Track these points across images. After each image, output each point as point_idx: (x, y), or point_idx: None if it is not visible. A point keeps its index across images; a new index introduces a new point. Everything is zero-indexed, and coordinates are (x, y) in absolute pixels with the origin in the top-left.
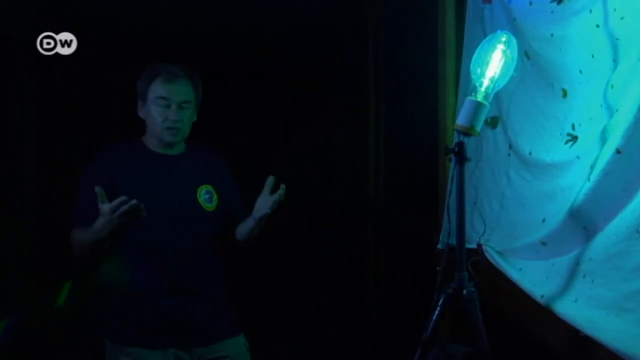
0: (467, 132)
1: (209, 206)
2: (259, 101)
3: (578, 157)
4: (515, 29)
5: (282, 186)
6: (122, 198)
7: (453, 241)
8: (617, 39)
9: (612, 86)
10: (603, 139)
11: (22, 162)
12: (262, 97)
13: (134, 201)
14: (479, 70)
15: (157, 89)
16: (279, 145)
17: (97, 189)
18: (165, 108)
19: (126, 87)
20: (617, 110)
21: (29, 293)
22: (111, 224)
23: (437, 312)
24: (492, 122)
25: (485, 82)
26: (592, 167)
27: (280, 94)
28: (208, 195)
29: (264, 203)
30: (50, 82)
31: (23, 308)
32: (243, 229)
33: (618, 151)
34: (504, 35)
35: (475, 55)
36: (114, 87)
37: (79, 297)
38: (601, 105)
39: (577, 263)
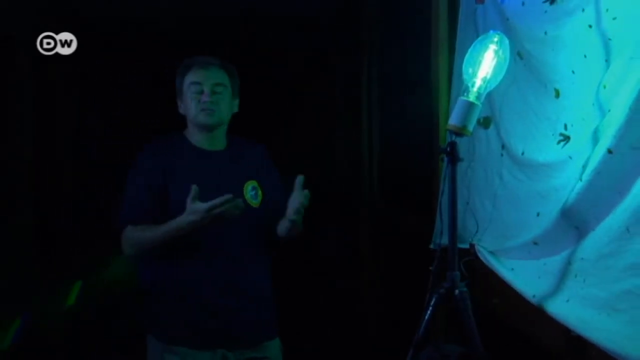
0: (460, 132)
1: (255, 202)
2: (253, 101)
3: (570, 157)
4: (508, 29)
5: (306, 192)
6: (228, 196)
7: (445, 241)
8: (610, 39)
9: (604, 86)
10: (595, 139)
11: (21, 162)
12: (254, 98)
13: (238, 200)
14: (471, 71)
15: (190, 76)
16: (273, 146)
17: (193, 187)
18: (199, 93)
19: (126, 87)
20: (609, 111)
21: (34, 293)
22: (199, 223)
23: (429, 312)
24: (485, 122)
25: (478, 83)
26: (584, 167)
27: (274, 95)
28: (254, 192)
29: (292, 205)
30: (50, 82)
31: (30, 308)
32: (282, 227)
33: (610, 151)
34: (496, 35)
35: (467, 56)
36: (114, 87)
37: (87, 297)
38: (593, 105)
39: (569, 263)
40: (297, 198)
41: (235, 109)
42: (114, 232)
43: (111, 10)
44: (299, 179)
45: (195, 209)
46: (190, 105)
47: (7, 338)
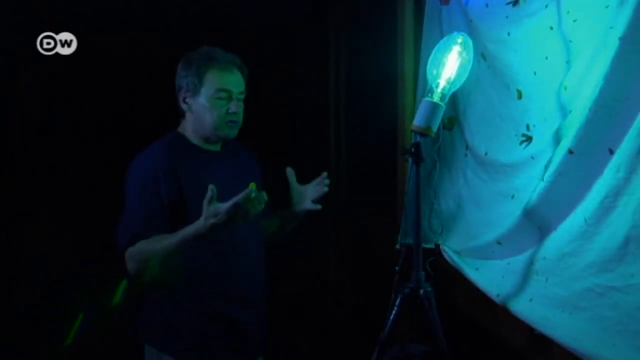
0: (424, 132)
1: None
2: None
3: (533, 158)
4: (471, 30)
5: (324, 174)
6: (249, 190)
7: (411, 241)
8: (570, 41)
9: (565, 87)
10: (557, 139)
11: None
12: None
13: (262, 193)
14: (435, 72)
15: (217, 79)
16: None
17: (210, 187)
18: (226, 100)
19: (126, 87)
20: (570, 111)
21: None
22: (221, 227)
23: (394, 311)
24: (449, 123)
25: (442, 83)
26: (546, 167)
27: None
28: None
29: (303, 195)
30: (50, 82)
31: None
32: (270, 226)
33: (571, 151)
34: (460, 36)
35: (431, 57)
36: (115, 87)
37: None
38: (555, 106)
39: (531, 262)
40: (298, 188)
41: None
42: (118, 248)
43: (110, 11)
44: (290, 171)
45: (215, 211)
46: (211, 112)
47: (71, 334)
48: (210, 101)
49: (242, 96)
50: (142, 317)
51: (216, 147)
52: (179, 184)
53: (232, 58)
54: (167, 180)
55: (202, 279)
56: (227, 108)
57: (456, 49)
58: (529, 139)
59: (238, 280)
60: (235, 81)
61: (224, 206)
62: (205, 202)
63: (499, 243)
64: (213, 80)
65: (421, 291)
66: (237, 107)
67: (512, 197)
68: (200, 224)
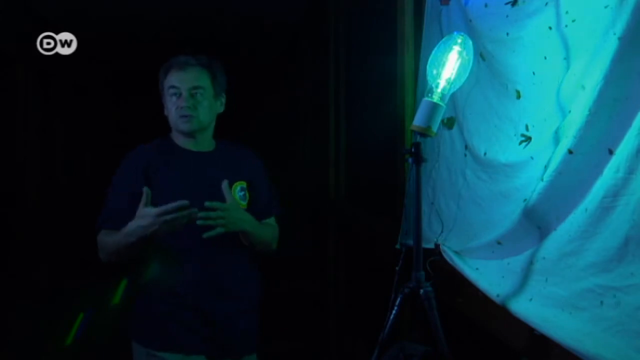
0: (424, 132)
1: (243, 204)
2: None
3: (532, 158)
4: (471, 30)
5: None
6: (182, 202)
7: (411, 241)
8: (569, 41)
9: (564, 87)
10: (556, 139)
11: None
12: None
13: (194, 209)
14: (435, 72)
15: (169, 79)
16: None
17: (145, 190)
18: (177, 97)
19: (126, 87)
20: (569, 112)
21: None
22: (148, 229)
23: (394, 311)
24: (449, 123)
25: (442, 83)
26: (545, 167)
27: (238, 97)
28: (242, 193)
29: None
30: (50, 82)
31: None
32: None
33: (570, 151)
34: (460, 36)
35: (431, 57)
36: (115, 87)
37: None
38: (554, 106)
39: (531, 262)
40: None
41: (220, 109)
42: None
43: (110, 11)
44: (225, 184)
45: (144, 213)
46: (169, 110)
47: (71, 334)
48: (167, 100)
49: (197, 91)
50: (131, 315)
51: (206, 148)
52: (148, 183)
53: (186, 58)
54: (137, 179)
55: (182, 274)
56: (178, 104)
57: (456, 49)
58: (528, 139)
59: (214, 272)
60: (185, 78)
61: (152, 211)
62: (140, 204)
63: (499, 243)
64: (167, 81)
65: (421, 291)
66: (185, 102)
67: (512, 197)
68: (131, 224)
